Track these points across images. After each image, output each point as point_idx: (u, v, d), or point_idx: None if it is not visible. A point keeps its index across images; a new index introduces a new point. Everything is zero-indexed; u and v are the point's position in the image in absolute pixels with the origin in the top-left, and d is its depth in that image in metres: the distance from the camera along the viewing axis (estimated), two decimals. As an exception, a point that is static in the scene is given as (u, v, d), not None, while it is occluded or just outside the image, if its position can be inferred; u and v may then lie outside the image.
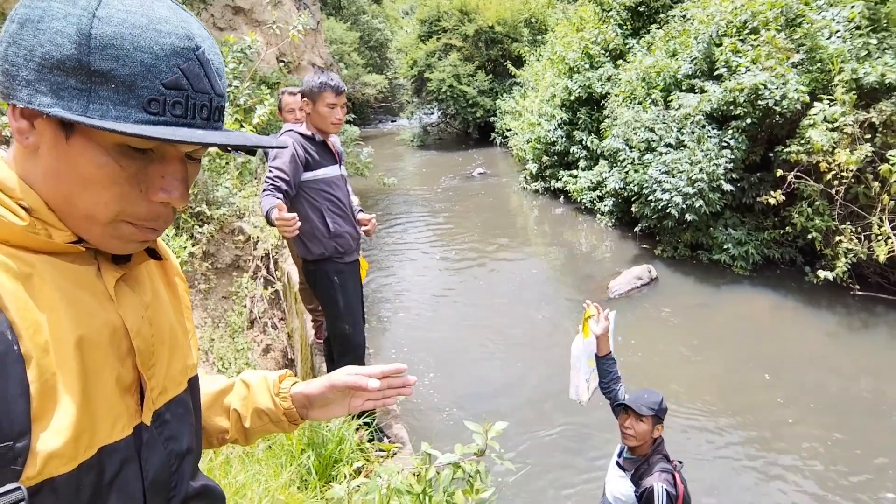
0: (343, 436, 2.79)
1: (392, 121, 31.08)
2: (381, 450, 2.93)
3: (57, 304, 0.65)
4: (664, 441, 2.72)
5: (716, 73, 8.54)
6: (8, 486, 0.57)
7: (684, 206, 8.17)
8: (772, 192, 7.58)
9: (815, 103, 7.31)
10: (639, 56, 10.83)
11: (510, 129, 16.53)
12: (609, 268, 8.93)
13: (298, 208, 3.07)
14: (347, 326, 3.28)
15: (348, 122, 12.76)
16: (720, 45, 8.58)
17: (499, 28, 20.70)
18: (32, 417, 0.60)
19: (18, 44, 0.61)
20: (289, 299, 5.50)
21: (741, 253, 8.15)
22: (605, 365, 3.03)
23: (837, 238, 7.18)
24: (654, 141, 9.13)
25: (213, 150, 5.59)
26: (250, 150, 0.76)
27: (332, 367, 3.45)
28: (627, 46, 11.83)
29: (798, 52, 7.72)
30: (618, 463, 2.76)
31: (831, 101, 7.28)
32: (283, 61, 11.14)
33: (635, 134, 9.47)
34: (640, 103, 9.93)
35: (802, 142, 7.34)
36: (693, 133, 8.46)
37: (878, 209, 6.87)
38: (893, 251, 6.58)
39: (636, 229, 9.65)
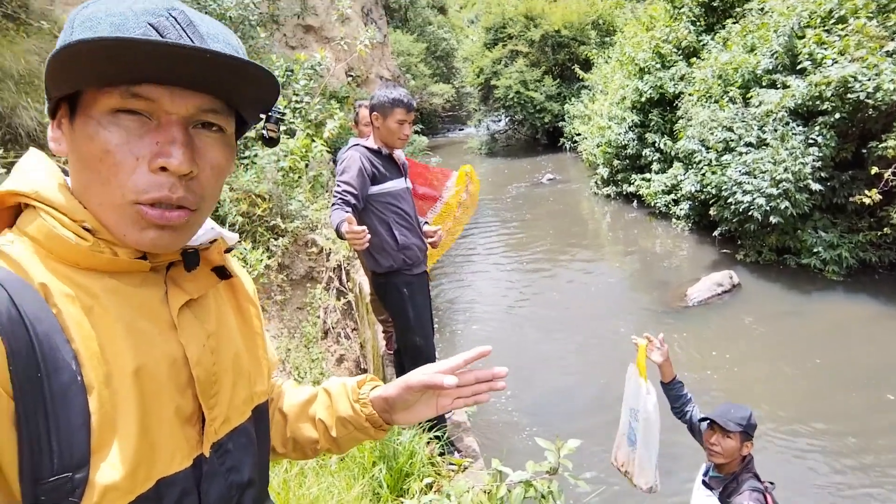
0: (414, 449, 2.79)
1: (460, 129, 31.25)
2: (451, 464, 2.90)
3: (118, 333, 0.65)
4: (753, 460, 2.55)
5: (799, 67, 8.06)
6: None
7: (768, 208, 7.73)
8: (866, 191, 7.06)
9: (915, 94, 6.76)
10: (714, 53, 10.39)
11: (579, 134, 16.25)
12: (687, 274, 8.57)
13: (366, 221, 3.10)
14: (418, 338, 3.28)
15: (417, 132, 12.91)
16: (803, 37, 8.10)
17: (565, 32, 20.43)
18: (92, 449, 0.60)
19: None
20: (360, 310, 5.59)
21: (833, 257, 7.61)
22: (674, 390, 2.85)
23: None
24: (732, 140, 8.71)
25: (283, 161, 5.78)
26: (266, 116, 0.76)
27: (402, 378, 3.46)
28: (701, 43, 11.38)
29: (893, 39, 7.17)
30: (704, 482, 2.61)
31: (933, 90, 6.71)
32: (351, 75, 11.42)
33: (712, 134, 9.07)
34: (716, 102, 9.52)
35: (901, 136, 6.80)
36: (776, 131, 8.01)
37: None
38: None
39: (715, 233, 9.21)
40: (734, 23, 10.65)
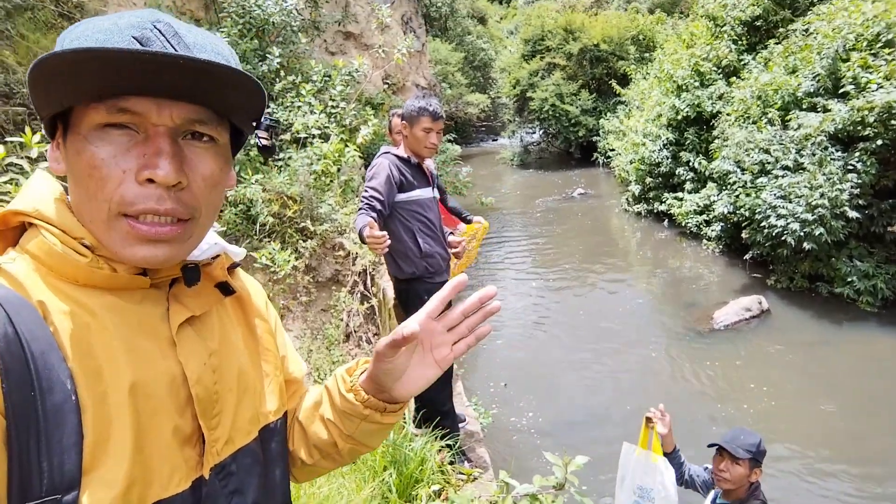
0: (425, 456, 2.82)
1: (493, 140, 31.26)
2: (461, 473, 2.92)
3: (115, 351, 0.64)
4: (760, 487, 2.52)
5: (841, 91, 7.89)
6: None
7: (802, 234, 7.57)
8: (906, 221, 6.87)
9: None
10: (754, 73, 10.24)
11: (613, 149, 16.14)
12: (715, 297, 8.43)
13: (391, 228, 3.16)
14: (436, 346, 3.32)
15: (449, 140, 12.98)
16: (847, 60, 7.94)
17: (604, 46, 20.34)
18: (84, 469, 0.59)
19: None
20: (383, 315, 5.65)
21: (868, 287, 7.41)
22: (675, 458, 2.83)
23: None
24: (768, 163, 8.56)
25: (316, 164, 5.88)
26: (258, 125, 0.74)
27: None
28: (742, 63, 11.22)
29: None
30: (712, 507, 2.58)
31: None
32: (388, 83, 11.57)
33: (748, 155, 8.93)
34: (754, 123, 9.37)
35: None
36: (814, 155, 7.85)
37: None
38: None
39: (746, 257, 9.04)
40: (777, 43, 10.48)
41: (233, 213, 5.33)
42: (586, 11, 23.34)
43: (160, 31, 0.63)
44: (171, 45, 0.63)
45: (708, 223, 10.41)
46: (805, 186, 7.69)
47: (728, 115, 10.23)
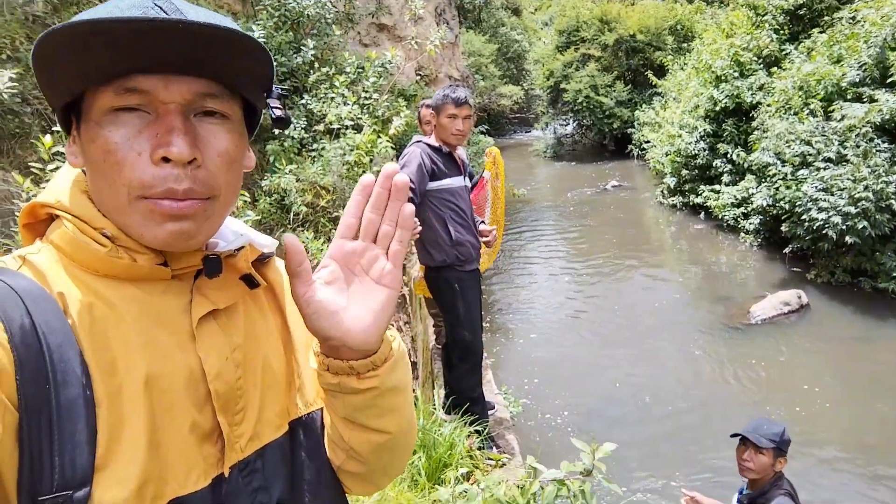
0: (454, 440, 2.85)
1: (526, 132, 31.06)
2: (490, 458, 2.95)
3: (133, 344, 0.63)
4: (784, 476, 2.49)
5: (889, 81, 7.64)
6: None
7: (844, 228, 7.36)
8: (956, 215, 6.62)
9: None
10: (797, 63, 9.96)
11: (648, 141, 15.89)
12: (752, 290, 8.26)
13: (423, 216, 3.19)
14: (467, 333, 3.35)
15: (482, 132, 12.95)
16: (896, 48, 7.67)
17: (641, 36, 19.98)
18: (97, 466, 0.58)
19: None
20: (414, 304, 5.70)
21: (914, 282, 7.18)
22: None
23: None
24: (810, 155, 8.33)
25: (349, 155, 5.95)
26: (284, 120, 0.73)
27: (449, 372, 3.54)
28: (784, 52, 10.92)
29: None
30: (739, 500, 2.57)
31: None
32: (420, 74, 11.59)
33: (788, 147, 8.70)
34: (795, 114, 9.12)
35: None
36: (858, 147, 7.62)
37: None
38: None
39: (786, 250, 8.83)
40: (821, 32, 10.17)
41: (267, 203, 5.43)
42: (623, 1, 22.94)
43: (160, 8, 0.61)
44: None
45: (746, 216, 10.19)
46: (848, 179, 7.46)
47: (768, 105, 9.98)
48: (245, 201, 4.22)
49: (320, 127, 6.37)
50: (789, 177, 8.61)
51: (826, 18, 10.40)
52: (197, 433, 0.67)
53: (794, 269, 8.71)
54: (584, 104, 20.26)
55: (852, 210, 7.29)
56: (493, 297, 8.73)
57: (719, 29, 13.61)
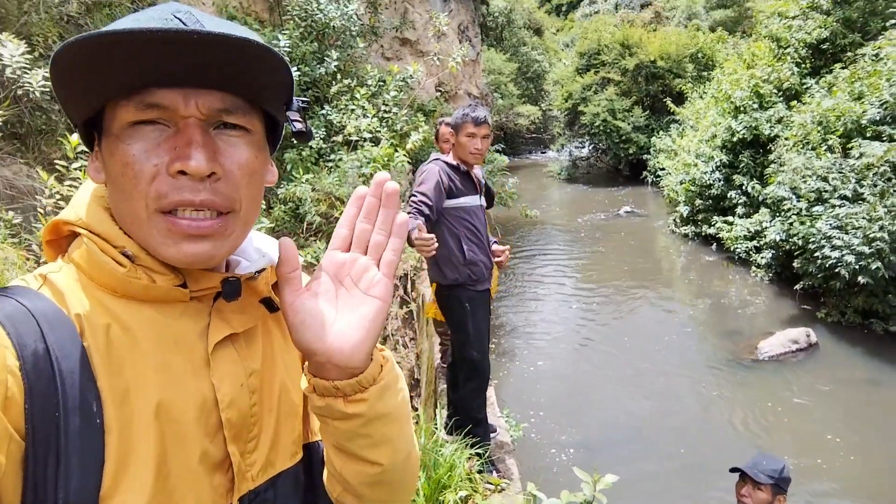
0: (454, 462, 2.84)
1: (542, 152, 31.14)
2: (489, 483, 2.93)
3: (147, 370, 0.62)
4: None
5: (910, 121, 7.60)
6: None
7: (857, 267, 7.30)
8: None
9: None
10: (817, 97, 9.94)
11: (663, 169, 15.87)
12: (761, 326, 8.19)
13: (438, 233, 3.20)
14: (476, 353, 3.34)
15: (498, 151, 13.00)
16: (918, 89, 7.64)
17: (661, 63, 20.06)
18: (102, 495, 0.57)
19: None
20: (421, 321, 5.70)
21: (927, 327, 7.09)
22: None
23: None
24: (826, 191, 8.29)
25: (366, 167, 5.99)
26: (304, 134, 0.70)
27: (454, 392, 3.53)
28: (804, 86, 10.91)
29: None
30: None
31: None
32: (441, 90, 11.68)
33: (804, 182, 8.67)
34: (813, 149, 9.09)
35: None
36: (875, 186, 7.58)
37: None
38: None
39: (797, 287, 8.76)
40: (843, 68, 10.16)
41: (282, 211, 5.47)
42: (645, 27, 23.08)
43: (181, 20, 0.60)
44: None
45: (758, 249, 10.13)
46: (864, 218, 7.42)
47: (786, 139, 9.96)
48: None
49: (339, 138, 6.43)
50: (804, 212, 8.57)
51: (849, 54, 10.40)
52: (207, 464, 0.65)
53: (805, 306, 8.64)
54: (601, 128, 20.31)
55: (866, 250, 7.23)
56: (500, 320, 8.72)
57: (740, 59, 13.63)
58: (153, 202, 0.61)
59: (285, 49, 6.36)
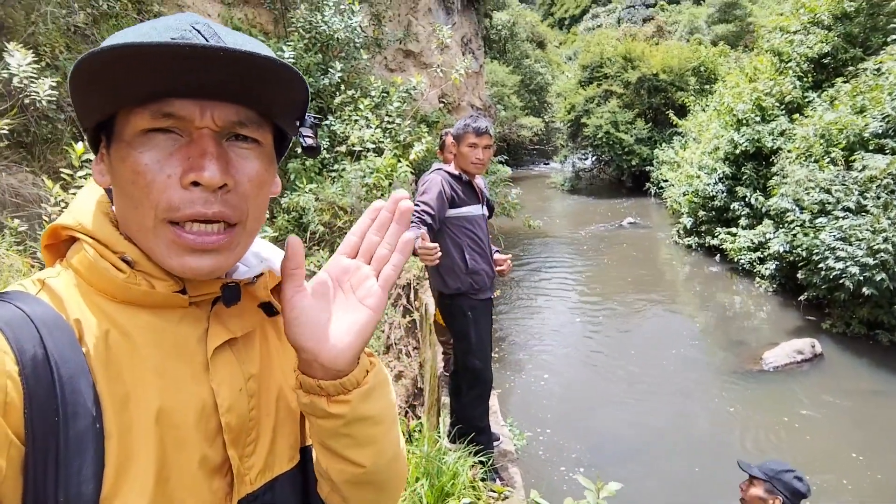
0: (458, 470, 2.83)
1: (545, 163, 31.27)
2: (492, 490, 2.92)
3: (146, 375, 0.62)
4: None
5: (913, 134, 7.61)
6: None
7: (861, 279, 7.28)
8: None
9: None
10: (819, 111, 9.97)
11: (666, 180, 15.92)
12: (765, 337, 8.16)
13: (440, 242, 3.20)
14: (478, 361, 3.34)
15: (501, 162, 13.05)
16: (920, 102, 7.66)
17: (663, 76, 20.18)
18: (102, 500, 0.57)
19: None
20: (424, 330, 5.69)
21: (932, 338, 7.06)
22: None
23: None
24: (829, 203, 8.29)
25: (369, 177, 6.02)
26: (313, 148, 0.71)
27: (456, 401, 3.52)
28: (806, 100, 10.95)
29: None
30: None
31: None
32: (444, 102, 11.74)
33: (808, 194, 8.68)
34: (816, 161, 9.11)
35: None
36: (879, 198, 7.58)
37: None
38: None
39: (801, 298, 8.74)
40: (844, 82, 10.20)
41: (285, 220, 5.49)
42: (647, 40, 23.23)
43: (199, 32, 0.60)
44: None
45: (762, 261, 10.12)
46: (867, 230, 7.41)
47: (789, 151, 9.98)
48: (264, 217, 4.27)
49: (342, 148, 6.47)
50: (807, 224, 8.56)
51: (850, 68, 10.45)
52: (206, 468, 0.65)
53: (809, 317, 8.61)
54: (604, 139, 20.40)
55: (870, 261, 7.22)
56: (503, 330, 8.70)
57: (742, 73, 13.69)
58: (163, 212, 0.61)
59: (290, 60, 6.42)
